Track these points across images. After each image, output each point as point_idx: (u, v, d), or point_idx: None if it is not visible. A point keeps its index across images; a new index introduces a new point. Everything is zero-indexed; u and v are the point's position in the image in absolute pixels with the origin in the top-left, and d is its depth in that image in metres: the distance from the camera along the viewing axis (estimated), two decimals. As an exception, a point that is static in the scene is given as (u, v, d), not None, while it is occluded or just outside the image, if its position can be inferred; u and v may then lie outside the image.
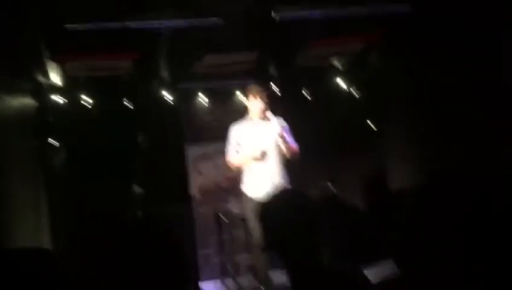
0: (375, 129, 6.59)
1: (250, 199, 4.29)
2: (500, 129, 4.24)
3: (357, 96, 6.49)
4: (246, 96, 4.40)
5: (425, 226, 1.25)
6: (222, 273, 5.16)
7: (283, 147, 4.25)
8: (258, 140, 4.30)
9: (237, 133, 4.41)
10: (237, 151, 4.39)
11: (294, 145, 4.37)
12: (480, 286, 1.05)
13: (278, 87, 6.16)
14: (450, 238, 1.16)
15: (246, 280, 5.25)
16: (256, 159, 4.27)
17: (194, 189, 5.90)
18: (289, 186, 4.19)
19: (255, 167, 4.31)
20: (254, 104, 4.33)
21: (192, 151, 5.98)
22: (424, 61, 5.24)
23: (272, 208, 1.76)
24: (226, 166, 5.90)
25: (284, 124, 4.40)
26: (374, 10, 5.11)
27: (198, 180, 5.94)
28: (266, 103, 4.33)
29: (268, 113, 4.32)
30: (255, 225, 4.21)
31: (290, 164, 4.66)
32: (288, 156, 4.33)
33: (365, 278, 1.73)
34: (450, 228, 1.16)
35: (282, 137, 4.22)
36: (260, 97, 4.30)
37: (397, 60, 5.85)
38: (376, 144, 6.62)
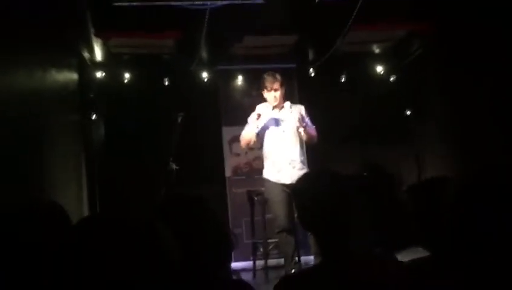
0: (410, 119, 6.50)
1: (274, 184, 4.34)
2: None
3: (395, 85, 6.40)
4: (261, 87, 4.42)
5: (457, 219, 1.25)
6: (253, 255, 5.22)
7: (302, 133, 4.28)
8: (277, 125, 4.36)
9: (257, 116, 4.46)
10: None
11: (312, 131, 4.40)
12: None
13: (315, 70, 6.13)
14: (481, 230, 1.16)
15: (276, 262, 5.31)
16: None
17: (229, 169, 5.97)
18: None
19: (275, 152, 4.37)
20: (269, 96, 4.41)
21: (229, 132, 6.04)
22: (467, 57, 5.10)
23: (306, 187, 1.75)
24: (259, 148, 6.00)
25: (302, 110, 4.43)
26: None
27: (233, 161, 6.00)
28: (280, 94, 4.39)
29: (286, 102, 4.39)
30: (280, 209, 4.26)
31: (320, 149, 4.68)
32: (307, 141, 4.36)
33: (396, 261, 1.72)
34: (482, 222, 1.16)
35: (301, 123, 4.26)
36: (273, 89, 4.36)
37: (439, 52, 5.72)
38: (409, 134, 6.52)
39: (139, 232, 0.93)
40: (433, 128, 6.12)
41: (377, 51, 6.34)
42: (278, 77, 4.43)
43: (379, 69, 6.33)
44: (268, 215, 4.98)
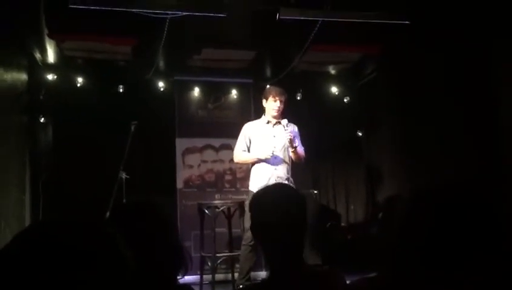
0: (362, 137, 6.66)
1: None
2: (486, 143, 4.34)
3: (349, 104, 6.56)
4: (265, 97, 4.46)
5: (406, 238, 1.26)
6: (200, 269, 5.14)
7: (291, 152, 4.33)
8: (269, 141, 4.39)
9: (250, 131, 4.50)
10: (245, 150, 4.49)
11: (301, 151, 4.48)
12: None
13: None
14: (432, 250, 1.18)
15: (223, 277, 5.26)
16: (265, 159, 4.36)
17: (180, 181, 5.89)
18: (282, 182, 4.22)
19: (262, 168, 4.39)
20: (272, 105, 4.42)
21: (182, 144, 5.97)
22: (417, 76, 5.31)
23: (262, 199, 1.74)
24: (212, 160, 5.98)
25: (296, 129, 4.50)
26: (374, 22, 5.15)
27: (185, 173, 5.93)
28: (283, 107, 4.44)
29: (284, 120, 4.43)
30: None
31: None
32: (294, 160, 4.41)
33: (343, 278, 1.73)
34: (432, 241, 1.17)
35: (292, 142, 4.30)
36: (279, 100, 4.38)
37: (391, 73, 5.92)
38: (362, 153, 6.68)
39: (93, 237, 0.88)
40: (384, 147, 6.29)
41: (332, 71, 6.48)
42: (285, 92, 4.49)
43: (334, 89, 6.48)
44: (217, 229, 4.94)
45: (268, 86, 4.67)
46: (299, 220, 1.65)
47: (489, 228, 1.12)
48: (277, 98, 4.41)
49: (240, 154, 4.53)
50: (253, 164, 4.50)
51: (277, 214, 1.61)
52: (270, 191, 1.73)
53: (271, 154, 4.34)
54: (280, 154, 4.41)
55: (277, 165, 4.39)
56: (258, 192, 1.75)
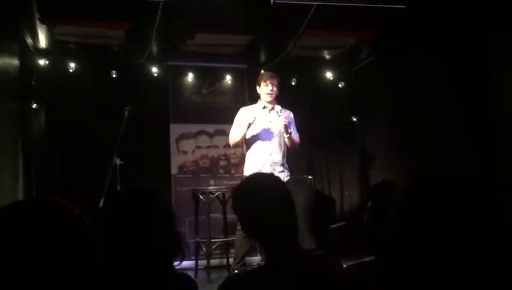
0: (356, 123, 6.66)
1: None
2: (481, 132, 4.35)
3: (343, 89, 6.54)
4: (258, 83, 4.45)
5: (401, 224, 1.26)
6: (195, 254, 5.15)
7: (286, 137, 4.34)
8: (265, 126, 4.41)
9: (245, 115, 4.48)
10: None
11: (296, 137, 4.48)
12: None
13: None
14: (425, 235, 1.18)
15: (218, 262, 5.29)
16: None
17: (175, 167, 5.88)
18: (273, 172, 4.22)
19: (258, 153, 4.41)
20: (265, 90, 4.43)
21: (176, 129, 5.95)
22: (412, 62, 5.29)
23: (246, 189, 1.74)
24: (207, 146, 5.97)
25: (291, 115, 4.52)
26: (369, 6, 5.10)
27: (180, 159, 5.92)
28: (276, 90, 4.44)
29: (277, 106, 4.45)
30: None
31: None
32: (289, 146, 4.41)
33: (339, 261, 1.74)
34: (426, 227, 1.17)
35: (286, 128, 4.31)
36: (271, 83, 4.38)
37: (386, 59, 5.90)
38: (356, 139, 6.68)
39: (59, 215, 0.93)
40: (378, 133, 6.29)
41: (327, 57, 6.45)
42: (276, 76, 4.50)
43: (329, 74, 6.45)
44: (212, 215, 4.94)
45: (261, 72, 4.67)
46: (286, 201, 1.65)
47: (485, 218, 1.12)
48: (268, 81, 4.43)
49: (232, 136, 4.52)
50: (248, 148, 4.49)
51: (263, 200, 1.61)
52: (249, 182, 1.74)
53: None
54: (276, 140, 4.41)
55: (272, 150, 4.40)
56: (237, 190, 1.74)
